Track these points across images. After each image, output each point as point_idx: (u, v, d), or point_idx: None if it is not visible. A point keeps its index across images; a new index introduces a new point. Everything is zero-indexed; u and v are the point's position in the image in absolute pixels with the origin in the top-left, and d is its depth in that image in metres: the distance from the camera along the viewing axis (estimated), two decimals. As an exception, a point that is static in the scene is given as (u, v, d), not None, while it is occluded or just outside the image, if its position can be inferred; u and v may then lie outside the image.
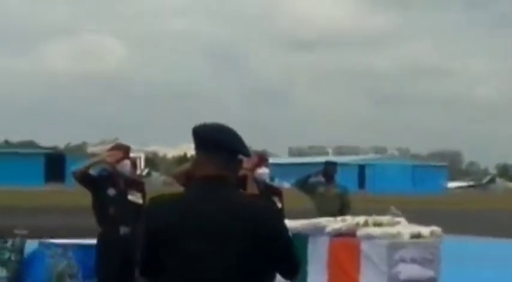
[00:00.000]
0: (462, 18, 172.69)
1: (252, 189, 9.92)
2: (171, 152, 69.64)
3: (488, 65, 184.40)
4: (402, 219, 9.34)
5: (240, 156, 5.04)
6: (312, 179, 15.19)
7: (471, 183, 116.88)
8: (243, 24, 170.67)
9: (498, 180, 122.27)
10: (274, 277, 5.00)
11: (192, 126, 5.00)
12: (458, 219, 31.15)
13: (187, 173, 9.11)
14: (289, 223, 5.86)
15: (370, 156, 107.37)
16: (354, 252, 8.90)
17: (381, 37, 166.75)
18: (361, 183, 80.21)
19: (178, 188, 7.24)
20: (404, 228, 8.98)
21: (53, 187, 62.59)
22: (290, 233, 5.09)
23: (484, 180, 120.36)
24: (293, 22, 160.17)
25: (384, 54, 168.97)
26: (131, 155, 11.46)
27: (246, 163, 7.40)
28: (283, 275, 5.00)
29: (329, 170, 15.12)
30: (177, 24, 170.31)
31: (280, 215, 5.11)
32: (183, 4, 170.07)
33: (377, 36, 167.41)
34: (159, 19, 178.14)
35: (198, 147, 5.03)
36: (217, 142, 4.98)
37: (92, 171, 11.07)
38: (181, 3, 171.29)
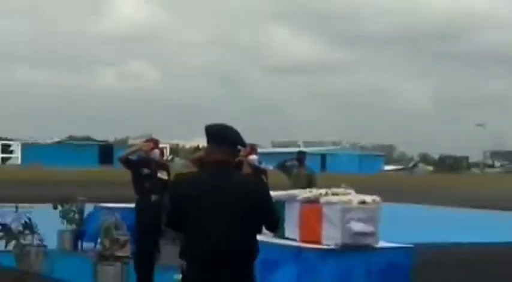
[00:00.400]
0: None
1: (246, 169, 10.88)
2: (188, 144, 72.20)
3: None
4: (352, 191, 9.96)
5: (239, 147, 5.64)
6: (288, 163, 16.67)
7: (400, 167, 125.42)
8: (239, 53, 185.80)
9: (420, 165, 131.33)
10: (261, 230, 5.60)
11: (204, 125, 5.61)
12: (391, 192, 35.26)
13: (200, 159, 10.26)
14: (272, 193, 6.55)
15: (330, 147, 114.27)
16: (318, 214, 9.35)
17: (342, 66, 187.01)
18: (323, 167, 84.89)
19: (194, 170, 8.27)
20: (353, 197, 9.44)
21: (104, 169, 66.05)
22: (273, 200, 5.76)
23: (410, 165, 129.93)
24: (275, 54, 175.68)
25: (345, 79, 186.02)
26: (160, 145, 12.62)
27: (242, 151, 8.10)
28: (269, 229, 5.71)
29: (300, 157, 16.91)
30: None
31: (266, 188, 5.67)
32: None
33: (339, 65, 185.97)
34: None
35: (208, 140, 5.60)
36: (222, 137, 5.58)
37: (132, 157, 12.12)
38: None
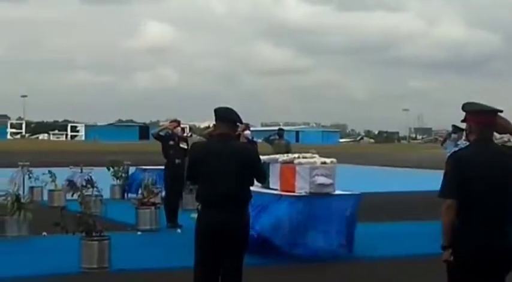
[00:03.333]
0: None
1: (242, 140, 10.87)
2: (202, 124, 74.05)
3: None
4: (316, 155, 9.97)
5: (237, 124, 5.66)
6: (272, 137, 16.61)
7: (351, 139, 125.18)
8: (234, 60, 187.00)
9: (364, 138, 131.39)
10: (253, 181, 5.60)
11: (213, 109, 5.61)
12: (345, 156, 34.16)
13: (210, 133, 10.62)
14: (261, 157, 6.57)
15: (301, 127, 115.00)
16: (292, 171, 9.23)
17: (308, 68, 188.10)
18: (297, 140, 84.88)
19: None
20: (317, 159, 9.32)
21: (142, 142, 66.79)
22: (261, 161, 5.95)
23: (357, 138, 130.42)
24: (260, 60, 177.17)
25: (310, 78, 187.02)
26: (181, 125, 12.64)
27: (240, 127, 8.23)
28: (258, 180, 5.75)
29: (280, 132, 16.89)
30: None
31: (256, 151, 5.86)
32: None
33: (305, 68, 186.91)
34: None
35: (216, 118, 5.60)
36: (226, 116, 5.55)
37: (162, 133, 12.22)
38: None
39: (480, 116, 4.31)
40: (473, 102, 4.40)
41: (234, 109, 5.61)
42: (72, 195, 9.15)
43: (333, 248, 9.08)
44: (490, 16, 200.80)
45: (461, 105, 4.42)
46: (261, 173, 5.72)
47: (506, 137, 4.90)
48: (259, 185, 8.68)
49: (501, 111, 4.35)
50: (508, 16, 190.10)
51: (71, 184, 9.28)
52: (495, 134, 4.50)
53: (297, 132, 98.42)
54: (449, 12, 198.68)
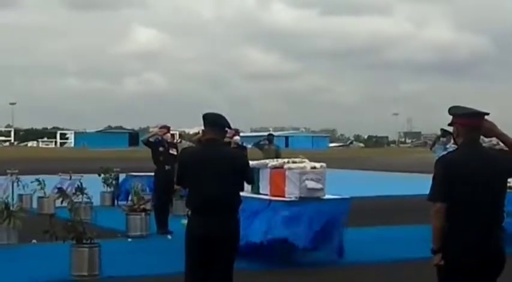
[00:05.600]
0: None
1: (233, 146, 11.06)
2: (191, 130, 74.35)
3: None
4: (306, 160, 9.96)
5: (226, 129, 5.64)
6: (261, 142, 16.70)
7: (340, 144, 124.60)
8: (222, 65, 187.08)
9: (354, 142, 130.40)
10: (243, 186, 5.65)
11: (202, 115, 5.57)
12: (334, 161, 34.62)
13: (198, 139, 10.46)
14: (250, 163, 6.57)
15: (291, 131, 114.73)
16: (282, 176, 9.19)
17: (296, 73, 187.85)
18: (286, 145, 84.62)
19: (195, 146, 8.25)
20: (307, 164, 9.29)
21: (132, 149, 66.66)
22: (250, 166, 5.99)
23: (347, 143, 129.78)
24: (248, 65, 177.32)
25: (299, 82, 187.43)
26: (171, 131, 12.73)
27: (229, 133, 8.19)
28: (247, 182, 5.78)
29: (270, 137, 17.15)
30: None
31: (246, 158, 5.84)
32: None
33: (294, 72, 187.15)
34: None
35: (205, 124, 5.54)
36: (215, 121, 5.53)
37: (151, 139, 12.19)
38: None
39: (466, 119, 4.33)
40: (460, 106, 4.43)
41: (223, 114, 5.60)
42: (61, 203, 9.11)
43: (324, 252, 9.08)
44: (478, 19, 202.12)
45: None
46: (249, 175, 5.74)
47: (494, 140, 4.91)
48: (249, 190, 8.71)
49: (487, 114, 4.38)
50: (496, 19, 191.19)
51: (61, 191, 9.25)
52: (483, 137, 4.52)
53: (287, 138, 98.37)
54: (437, 15, 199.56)
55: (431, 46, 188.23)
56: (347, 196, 9.58)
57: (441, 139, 12.37)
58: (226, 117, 5.59)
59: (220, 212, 5.32)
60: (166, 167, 11.80)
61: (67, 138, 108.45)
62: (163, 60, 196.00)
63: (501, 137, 4.37)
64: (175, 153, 11.75)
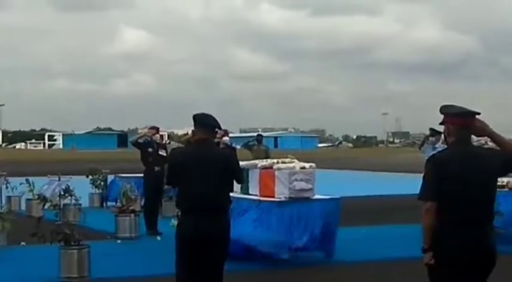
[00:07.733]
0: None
1: (221, 147, 10.95)
2: (180, 131, 74.01)
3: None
4: (295, 160, 9.95)
5: (216, 129, 5.64)
6: (251, 143, 16.60)
7: (329, 144, 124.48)
8: (211, 65, 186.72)
9: (343, 142, 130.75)
10: (232, 186, 5.75)
11: (191, 115, 5.55)
12: (323, 161, 34.86)
13: (188, 140, 10.51)
14: (240, 163, 6.56)
15: (280, 132, 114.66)
16: (272, 176, 9.17)
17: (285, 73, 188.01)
18: (275, 146, 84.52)
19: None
20: (296, 164, 9.28)
21: (121, 150, 66.54)
22: (240, 167, 6.02)
23: (336, 143, 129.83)
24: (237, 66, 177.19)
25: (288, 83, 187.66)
26: (160, 132, 12.67)
27: (218, 134, 8.13)
28: (237, 182, 5.86)
29: (259, 138, 17.00)
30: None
31: (236, 158, 5.87)
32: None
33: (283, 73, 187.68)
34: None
35: (195, 124, 5.55)
36: (204, 122, 5.54)
37: (140, 141, 12.09)
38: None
39: (458, 118, 4.34)
40: (451, 105, 4.43)
41: (213, 115, 5.59)
42: (43, 207, 9.08)
43: (314, 252, 9.07)
44: (466, 19, 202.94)
45: (438, 108, 4.45)
46: (239, 175, 5.76)
47: (483, 139, 4.93)
48: (239, 190, 8.68)
49: (478, 114, 4.38)
50: (484, 19, 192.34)
51: (40, 197, 9.24)
52: (473, 136, 4.53)
53: (276, 138, 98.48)
54: (426, 15, 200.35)
55: (420, 46, 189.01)
56: (336, 196, 9.57)
57: (430, 139, 12.39)
58: (216, 118, 5.58)
59: (211, 212, 5.31)
60: (156, 168, 11.78)
61: (55, 140, 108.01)
62: (152, 61, 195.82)
63: (492, 136, 4.37)
64: (164, 154, 11.72)
